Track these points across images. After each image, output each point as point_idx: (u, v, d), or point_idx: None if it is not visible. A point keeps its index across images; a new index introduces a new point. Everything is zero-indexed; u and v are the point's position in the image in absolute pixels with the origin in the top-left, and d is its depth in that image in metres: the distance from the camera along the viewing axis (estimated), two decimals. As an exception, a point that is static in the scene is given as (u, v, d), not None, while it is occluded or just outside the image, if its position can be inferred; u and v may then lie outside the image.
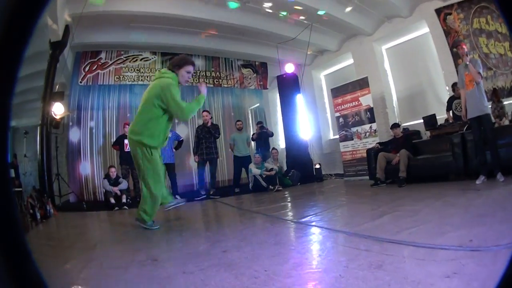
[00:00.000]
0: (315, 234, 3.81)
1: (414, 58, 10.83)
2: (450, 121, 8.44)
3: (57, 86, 9.85)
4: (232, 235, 4.22)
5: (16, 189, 9.38)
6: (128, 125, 9.56)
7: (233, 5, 10.16)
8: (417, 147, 8.37)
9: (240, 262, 2.79)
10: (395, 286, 1.94)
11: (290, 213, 5.71)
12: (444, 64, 9.58)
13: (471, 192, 5.31)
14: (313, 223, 4.31)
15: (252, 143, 11.93)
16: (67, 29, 9.53)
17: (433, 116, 9.09)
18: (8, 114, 1.11)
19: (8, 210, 1.02)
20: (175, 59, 4.94)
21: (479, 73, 6.20)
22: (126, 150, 9.63)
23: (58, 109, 9.47)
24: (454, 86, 8.37)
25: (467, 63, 6.27)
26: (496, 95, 8.17)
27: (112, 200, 8.75)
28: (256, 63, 14.34)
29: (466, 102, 6.49)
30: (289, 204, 7.09)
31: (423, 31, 10.36)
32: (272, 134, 12.18)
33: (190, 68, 4.78)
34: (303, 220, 4.63)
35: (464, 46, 6.56)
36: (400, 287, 1.92)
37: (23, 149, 12.95)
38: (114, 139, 10.81)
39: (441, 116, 8.98)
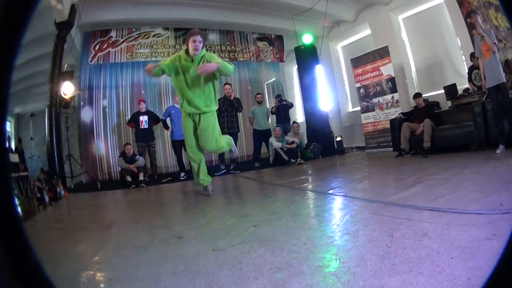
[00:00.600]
0: (349, 205, 3.66)
1: (430, 29, 10.62)
2: (471, 91, 8.37)
3: (65, 66, 9.74)
4: (260, 209, 4.06)
5: (22, 173, 9.37)
6: (144, 101, 9.89)
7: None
8: (439, 117, 8.33)
9: (274, 236, 2.70)
10: (444, 252, 1.95)
11: (317, 185, 5.55)
12: (460, 34, 9.43)
13: (492, 161, 5.37)
14: (344, 194, 4.22)
15: (271, 116, 11.81)
16: (73, 8, 9.44)
17: (454, 85, 9.06)
18: (6, 103, 1.05)
19: (6, 205, 0.99)
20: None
21: (494, 43, 6.23)
22: (142, 127, 9.73)
23: (67, 89, 9.35)
24: (472, 56, 8.23)
25: (482, 34, 6.29)
26: (508, 67, 8.04)
27: (129, 178, 8.68)
28: (272, 35, 14.11)
29: (484, 71, 6.51)
30: (314, 177, 6.95)
31: (437, 1, 10.16)
32: (292, 105, 11.92)
33: (193, 37, 4.94)
34: (333, 191, 4.52)
35: (478, 17, 6.60)
36: (449, 253, 1.92)
37: (29, 133, 13.28)
38: (129, 117, 10.72)
39: (460, 87, 9.02)
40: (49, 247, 2.97)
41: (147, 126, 9.82)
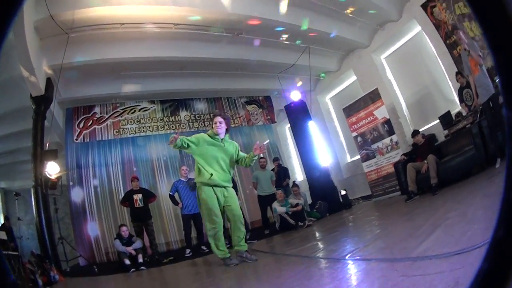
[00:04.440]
0: (374, 270, 3.40)
1: (414, 61, 11.32)
2: (465, 113, 8.66)
3: (47, 145, 9.85)
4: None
5: (12, 252, 9.10)
6: (137, 179, 9.98)
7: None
8: (439, 150, 8.67)
9: None
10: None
11: (332, 251, 5.13)
12: (442, 58, 10.00)
13: (496, 178, 5.64)
14: (365, 257, 3.98)
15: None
16: (49, 82, 9.73)
17: (448, 113, 9.45)
18: None
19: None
20: None
21: (479, 55, 6.66)
22: (137, 206, 9.74)
23: (52, 169, 9.38)
24: (457, 75, 8.64)
25: (467, 48, 6.75)
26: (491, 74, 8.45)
27: (127, 261, 8.50)
28: (260, 97, 14.84)
29: (476, 88, 6.92)
30: (326, 240, 6.81)
31: (415, 30, 10.91)
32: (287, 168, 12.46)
33: (215, 119, 5.76)
34: (351, 256, 4.23)
35: (460, 32, 7.20)
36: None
37: (16, 211, 13.06)
38: (122, 196, 10.76)
39: (453, 112, 9.41)
40: None
41: (142, 205, 9.79)
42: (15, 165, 15.53)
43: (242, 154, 5.94)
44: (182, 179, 9.80)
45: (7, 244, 9.43)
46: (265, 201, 10.82)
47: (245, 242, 5.86)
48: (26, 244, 13.13)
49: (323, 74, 13.33)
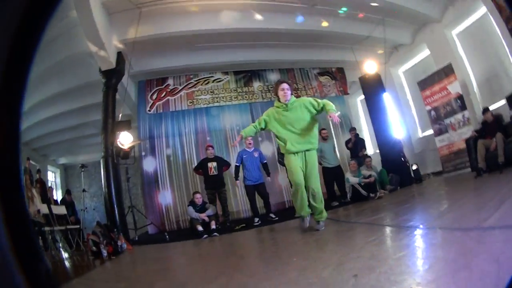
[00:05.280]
0: (449, 238, 3.65)
1: (482, 40, 11.46)
2: None
3: (119, 116, 10.56)
4: (355, 254, 3.72)
5: (71, 226, 10.26)
6: (212, 147, 10.63)
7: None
8: (506, 129, 9.06)
9: (382, 287, 2.46)
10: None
11: (406, 220, 5.28)
12: (507, 41, 10.07)
13: None
14: (440, 226, 4.23)
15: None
16: (120, 56, 10.53)
17: None
18: (19, 121, 1.19)
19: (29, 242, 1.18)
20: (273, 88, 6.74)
21: None
22: (211, 173, 10.36)
23: (125, 139, 9.88)
24: None
25: None
26: None
27: (200, 228, 9.00)
28: (333, 69, 15.29)
29: None
30: (399, 211, 6.87)
31: (482, 10, 10.98)
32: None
33: (281, 86, 6.17)
34: (426, 225, 4.58)
35: None
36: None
37: (81, 185, 13.94)
38: (196, 164, 11.50)
39: None
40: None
41: (217, 173, 10.36)
42: (78, 140, 16.65)
43: (320, 101, 6.08)
44: (247, 149, 10.20)
45: (67, 219, 10.36)
46: (331, 173, 10.90)
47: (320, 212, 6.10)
48: (90, 215, 13.91)
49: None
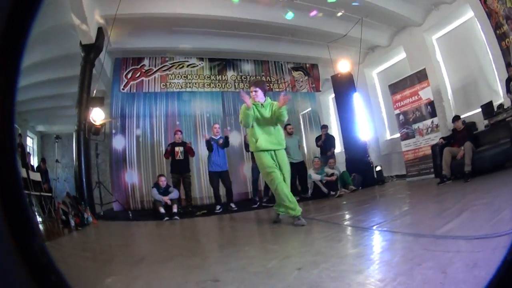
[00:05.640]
0: (398, 241, 3.84)
1: (463, 46, 11.44)
2: (506, 106, 9.04)
3: (94, 92, 10.47)
4: (303, 249, 4.12)
5: (45, 193, 10.31)
6: (180, 132, 10.63)
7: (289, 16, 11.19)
8: (477, 138, 9.03)
9: (322, 282, 2.60)
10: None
11: (361, 220, 5.58)
12: (491, 47, 10.05)
13: None
14: (392, 229, 4.37)
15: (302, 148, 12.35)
16: (100, 31, 10.40)
17: (490, 103, 9.72)
18: (13, 109, 1.17)
19: (22, 213, 1.14)
20: None
21: None
22: (178, 158, 10.41)
23: (97, 115, 9.91)
24: (508, 66, 8.96)
25: None
26: None
27: (162, 210, 9.14)
28: (307, 65, 15.25)
29: None
30: (356, 211, 7.19)
31: (468, 15, 10.94)
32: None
33: (250, 89, 6.37)
34: (379, 227, 4.66)
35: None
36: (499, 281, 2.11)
37: (55, 155, 13.88)
38: (163, 147, 11.54)
39: (495, 103, 9.69)
40: (75, 276, 2.60)
41: (183, 158, 10.48)
42: (56, 110, 16.35)
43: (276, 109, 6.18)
44: (213, 136, 10.33)
45: (41, 185, 10.48)
46: (294, 168, 10.28)
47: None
48: (61, 185, 13.60)
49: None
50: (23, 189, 1.26)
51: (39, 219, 8.72)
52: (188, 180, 10.56)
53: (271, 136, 6.22)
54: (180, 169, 10.47)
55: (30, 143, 17.78)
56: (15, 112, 1.21)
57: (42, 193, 10.04)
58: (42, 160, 14.15)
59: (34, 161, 15.89)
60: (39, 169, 13.04)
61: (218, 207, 9.99)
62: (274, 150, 6.19)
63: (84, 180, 9.77)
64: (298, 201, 9.32)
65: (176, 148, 10.48)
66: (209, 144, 10.10)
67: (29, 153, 14.67)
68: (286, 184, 6.10)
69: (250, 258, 3.78)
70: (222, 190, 10.51)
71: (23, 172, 9.16)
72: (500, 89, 9.80)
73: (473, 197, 5.85)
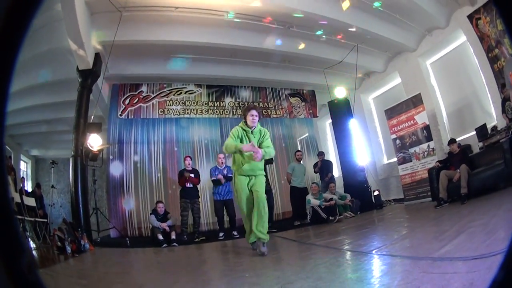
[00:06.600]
0: (398, 265, 3.81)
1: (457, 70, 11.67)
2: (500, 128, 9.12)
3: (91, 118, 10.42)
4: (304, 275, 3.95)
5: (40, 219, 10.20)
6: (190, 158, 10.55)
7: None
8: (472, 161, 9.13)
9: None
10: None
11: (360, 245, 5.55)
12: (484, 70, 10.23)
13: None
14: (390, 253, 4.37)
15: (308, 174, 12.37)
16: (98, 57, 10.41)
17: (484, 126, 9.86)
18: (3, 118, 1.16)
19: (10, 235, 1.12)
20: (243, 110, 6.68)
21: None
22: (188, 185, 10.20)
23: (94, 141, 9.80)
24: (503, 87, 9.11)
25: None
26: None
27: (160, 237, 9.03)
28: (304, 91, 15.44)
29: None
30: (355, 235, 7.12)
31: (461, 40, 11.22)
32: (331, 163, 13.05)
33: (251, 112, 6.13)
34: (378, 251, 4.67)
35: (503, 47, 7.58)
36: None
37: (50, 180, 13.82)
38: (178, 174, 10.93)
39: (489, 125, 9.82)
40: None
41: (192, 185, 10.28)
42: (51, 135, 16.44)
43: (265, 143, 6.15)
44: (219, 166, 10.23)
45: (35, 211, 10.41)
46: (298, 194, 11.27)
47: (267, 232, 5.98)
48: (56, 211, 13.67)
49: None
50: (12, 209, 1.29)
51: (33, 245, 8.68)
52: (197, 205, 10.41)
53: (253, 163, 6.10)
54: (191, 195, 10.29)
55: (24, 167, 17.79)
56: (4, 135, 1.21)
57: (36, 219, 9.98)
58: (37, 185, 14.03)
59: (28, 186, 15.76)
60: (33, 194, 12.84)
61: (221, 234, 9.93)
62: (254, 176, 6.16)
63: (81, 206, 9.64)
64: (299, 225, 9.92)
65: (186, 174, 10.29)
66: (219, 182, 9.97)
67: (23, 177, 14.69)
68: (257, 209, 5.91)
69: (251, 284, 3.72)
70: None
71: (17, 197, 9.23)
72: (493, 111, 9.98)
73: (470, 219, 5.90)
